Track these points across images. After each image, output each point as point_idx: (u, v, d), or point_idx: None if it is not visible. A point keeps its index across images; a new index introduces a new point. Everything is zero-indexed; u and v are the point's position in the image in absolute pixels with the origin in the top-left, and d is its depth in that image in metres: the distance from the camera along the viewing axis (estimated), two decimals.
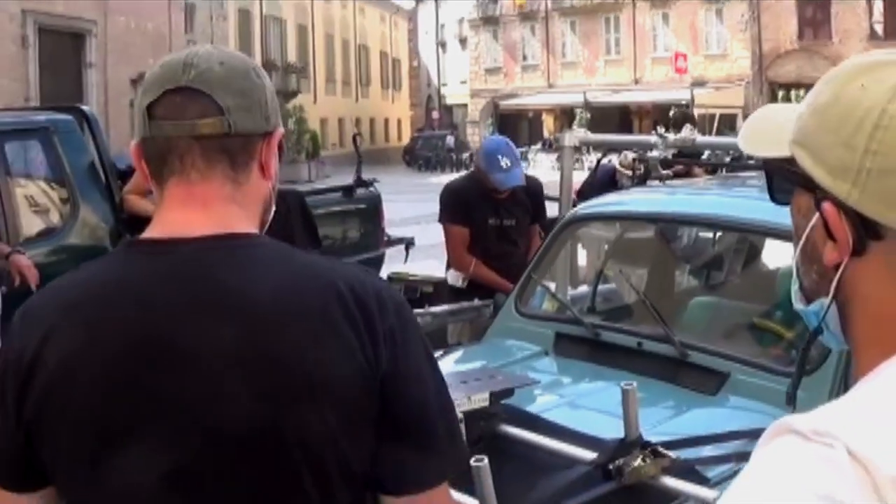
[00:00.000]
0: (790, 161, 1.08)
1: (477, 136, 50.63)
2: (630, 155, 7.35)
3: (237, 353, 1.43)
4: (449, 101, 65.70)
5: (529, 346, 4.18)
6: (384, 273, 7.42)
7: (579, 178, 7.98)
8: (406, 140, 63.61)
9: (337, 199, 9.10)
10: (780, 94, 42.30)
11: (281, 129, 1.61)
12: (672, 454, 2.83)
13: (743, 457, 2.68)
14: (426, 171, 49.20)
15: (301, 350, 1.44)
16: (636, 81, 50.43)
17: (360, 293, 1.48)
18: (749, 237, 4.91)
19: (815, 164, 1.04)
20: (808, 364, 3.20)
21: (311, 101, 50.00)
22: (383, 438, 1.48)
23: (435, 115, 65.41)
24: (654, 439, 2.87)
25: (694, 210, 4.41)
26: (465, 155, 47.10)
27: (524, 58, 56.79)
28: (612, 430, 2.91)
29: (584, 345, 4.02)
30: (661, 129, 5.80)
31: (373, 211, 9.26)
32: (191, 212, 1.51)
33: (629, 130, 43.93)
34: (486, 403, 3.13)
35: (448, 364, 4.01)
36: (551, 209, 6.19)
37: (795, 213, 1.11)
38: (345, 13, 59.32)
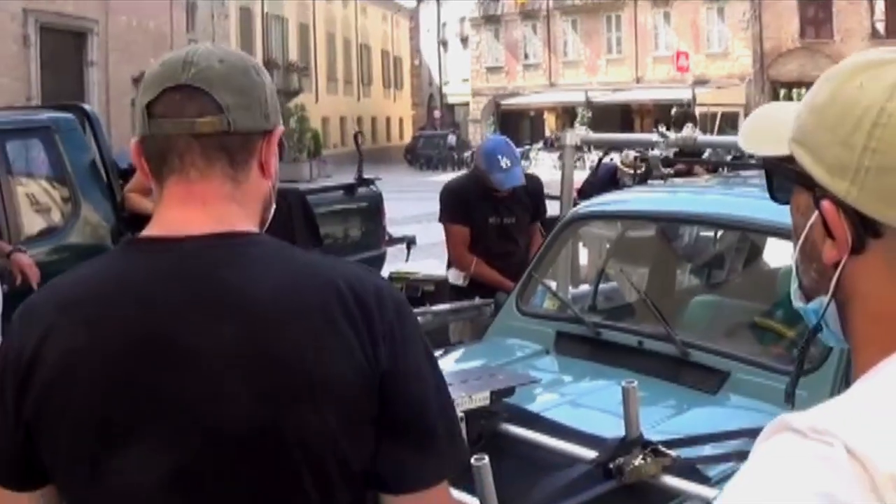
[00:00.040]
0: (790, 159, 1.08)
1: (478, 134, 50.61)
2: (631, 153, 7.34)
3: (237, 351, 1.43)
4: (450, 99, 65.69)
5: (530, 345, 4.18)
6: (385, 272, 7.43)
7: (580, 176, 7.98)
8: (408, 139, 63.59)
9: (338, 197, 9.10)
10: (782, 92, 42.23)
11: (281, 128, 1.61)
12: (673, 453, 2.83)
13: (744, 456, 2.67)
14: (428, 170, 49.18)
15: (301, 349, 1.44)
16: (638, 80, 50.41)
17: (359, 291, 1.48)
18: (750, 236, 4.91)
19: (814, 162, 1.04)
20: (808, 363, 3.20)
21: (312, 100, 49.98)
22: (383, 437, 1.48)
23: (436, 113, 65.38)
24: (654, 438, 2.87)
25: (695, 209, 4.40)
26: (467, 154, 47.02)
27: (526, 56, 56.78)
28: (612, 428, 2.91)
29: (585, 343, 4.02)
30: (662, 128, 5.79)
31: (374, 209, 9.26)
32: (190, 210, 1.51)
33: (631, 129, 43.91)
34: (487, 402, 3.13)
35: (449, 362, 4.01)
36: (552, 208, 6.19)
37: (795, 212, 1.11)
38: (346, 12, 59.34)
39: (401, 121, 69.40)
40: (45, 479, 1.52)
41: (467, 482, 2.45)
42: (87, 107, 7.67)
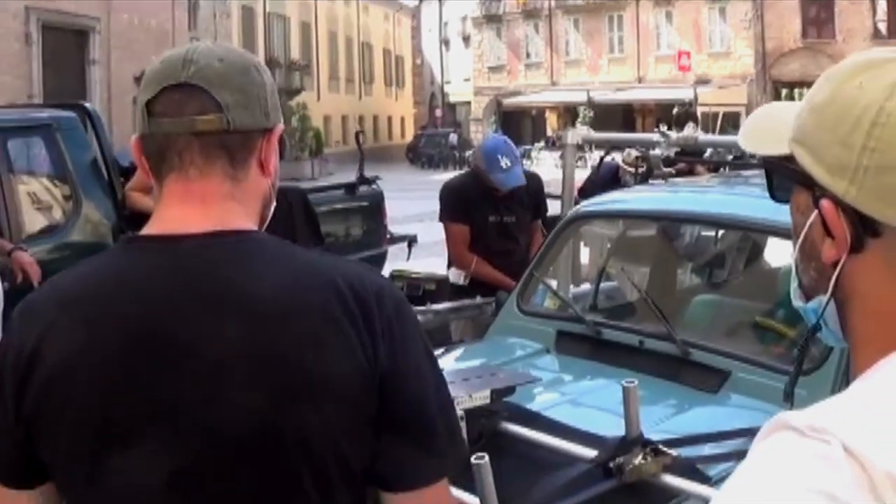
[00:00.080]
0: (790, 159, 1.09)
1: (480, 133, 50.58)
2: (633, 152, 7.35)
3: (237, 350, 1.43)
4: (452, 98, 65.69)
5: (531, 344, 4.18)
6: (386, 270, 7.42)
7: (582, 176, 7.98)
8: (409, 138, 63.61)
9: (340, 196, 9.10)
10: (784, 92, 42.26)
11: (281, 126, 1.61)
12: (673, 452, 2.82)
13: (744, 455, 2.66)
14: (429, 169, 49.19)
15: (301, 348, 1.44)
16: (639, 80, 50.41)
17: (359, 290, 1.48)
18: (751, 235, 4.91)
19: (813, 161, 1.04)
20: (809, 363, 3.21)
21: (314, 99, 49.97)
22: (383, 435, 1.48)
23: (438, 112, 65.39)
24: (655, 437, 2.86)
25: (696, 208, 4.40)
26: (468, 153, 47.00)
27: (527, 56, 56.77)
28: (613, 427, 2.91)
29: (586, 343, 4.02)
30: (663, 128, 5.79)
31: (375, 208, 9.26)
32: (189, 208, 1.51)
33: (632, 128, 43.90)
34: (488, 401, 3.13)
35: (450, 361, 4.01)
36: (554, 207, 6.19)
37: (794, 211, 1.11)
38: (348, 11, 59.34)
39: (402, 120, 69.40)
40: (44, 478, 1.52)
41: (467, 481, 2.45)
42: (88, 105, 7.66)
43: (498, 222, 5.82)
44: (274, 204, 1.64)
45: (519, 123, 56.57)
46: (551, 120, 54.70)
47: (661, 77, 48.69)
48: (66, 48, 23.08)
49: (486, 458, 2.50)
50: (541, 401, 3.53)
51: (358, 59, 61.03)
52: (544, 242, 4.83)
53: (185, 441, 1.42)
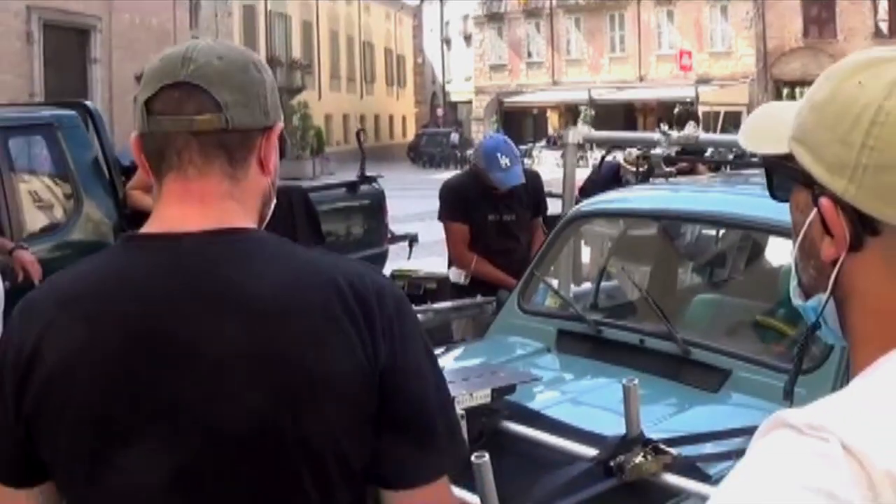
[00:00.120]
0: (789, 158, 1.09)
1: (481, 132, 50.52)
2: (635, 151, 7.35)
3: (237, 349, 1.42)
4: (453, 97, 65.68)
5: (532, 343, 4.19)
6: (388, 269, 7.42)
7: (583, 175, 7.98)
8: (410, 137, 63.58)
9: (341, 195, 9.10)
10: (785, 91, 42.26)
11: (280, 124, 1.60)
12: (673, 451, 2.82)
13: (744, 454, 2.68)
14: (430, 168, 49.20)
15: (302, 347, 1.43)
16: (641, 79, 50.41)
17: (359, 288, 1.48)
18: (752, 234, 4.91)
19: (813, 160, 1.04)
20: (810, 362, 3.21)
21: (315, 98, 49.97)
22: (383, 434, 1.48)
23: (439, 111, 65.39)
24: (655, 436, 2.86)
25: (697, 207, 4.40)
26: (469, 152, 47.00)
27: (529, 55, 56.76)
28: (613, 426, 2.91)
29: (587, 342, 4.02)
30: (664, 127, 5.79)
31: (376, 207, 9.26)
32: (187, 208, 1.51)
33: (634, 127, 43.87)
34: (488, 400, 3.13)
35: (450, 360, 4.01)
36: (555, 206, 6.19)
37: (794, 210, 1.11)
38: (350, 10, 59.33)
39: (404, 119, 69.39)
40: (44, 477, 1.52)
41: (468, 480, 2.45)
42: (89, 104, 7.65)
43: (497, 221, 5.82)
44: (274, 202, 1.64)
45: (520, 122, 56.56)
46: (552, 119, 54.70)
47: (663, 76, 48.72)
48: (67, 47, 23.07)
49: (487, 456, 2.50)
50: (541, 399, 3.53)
51: (359, 58, 61.01)
52: (545, 241, 4.83)
53: (185, 440, 1.42)
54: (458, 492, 2.33)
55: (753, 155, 4.51)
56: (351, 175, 9.75)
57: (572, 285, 5.09)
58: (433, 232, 6.38)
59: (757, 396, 3.28)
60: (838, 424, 0.87)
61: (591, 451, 2.87)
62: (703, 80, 46.31)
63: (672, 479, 2.78)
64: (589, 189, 7.38)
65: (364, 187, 9.22)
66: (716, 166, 6.62)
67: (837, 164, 1.00)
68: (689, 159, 6.69)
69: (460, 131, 56.58)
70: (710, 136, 6.90)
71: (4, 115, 7.04)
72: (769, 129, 1.15)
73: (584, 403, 3.62)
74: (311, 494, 1.45)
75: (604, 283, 4.90)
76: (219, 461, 1.43)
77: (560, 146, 6.40)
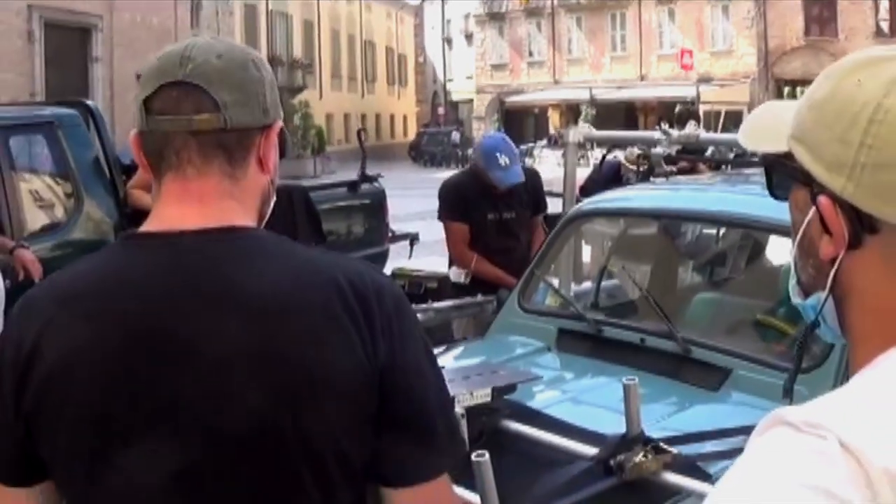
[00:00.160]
0: (789, 156, 1.09)
1: (482, 132, 50.44)
2: (636, 150, 7.35)
3: (237, 348, 1.42)
4: (455, 97, 65.65)
5: (532, 342, 4.18)
6: (388, 269, 7.42)
7: (584, 174, 7.98)
8: (412, 136, 63.56)
9: (341, 194, 9.10)
10: (786, 90, 42.21)
11: (280, 122, 1.60)
12: (674, 450, 2.82)
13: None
14: (431, 167, 49.18)
15: (302, 346, 1.43)
16: (642, 78, 50.38)
17: (359, 287, 1.48)
18: (753, 233, 4.90)
19: (812, 159, 1.04)
20: (810, 360, 3.21)
21: (316, 97, 49.96)
22: (384, 433, 1.48)
23: (440, 110, 65.37)
24: (655, 435, 2.86)
25: (698, 206, 4.40)
26: (470, 151, 46.98)
27: (530, 54, 56.75)
28: (613, 425, 2.91)
29: (587, 341, 4.02)
30: (665, 126, 5.79)
31: (377, 206, 9.26)
32: (186, 207, 1.50)
33: (634, 127, 43.80)
34: (489, 399, 3.12)
35: (451, 359, 4.02)
36: (556, 205, 6.19)
37: (793, 208, 1.11)
38: (351, 9, 59.31)
39: (405, 118, 69.37)
40: (43, 475, 1.52)
41: (468, 479, 2.45)
42: (90, 103, 7.66)
43: (497, 220, 5.82)
44: (273, 200, 1.64)
45: (521, 122, 56.54)
46: (554, 118, 54.64)
47: (664, 75, 48.68)
48: (68, 46, 23.07)
49: (487, 455, 2.50)
50: (542, 398, 3.53)
51: (360, 57, 60.99)
52: (545, 240, 4.83)
53: (185, 439, 1.42)
54: (459, 491, 2.33)
55: (754, 154, 4.51)
56: (352, 174, 9.74)
57: (573, 284, 5.09)
58: (434, 231, 6.37)
59: (757, 395, 3.28)
60: (836, 422, 0.87)
61: (591, 450, 2.87)
62: (705, 80, 46.28)
63: (672, 477, 2.78)
64: (590, 188, 7.38)
65: (365, 186, 9.22)
66: (716, 165, 6.63)
67: (836, 163, 1.00)
68: (690, 158, 6.69)
69: (461, 130, 56.55)
70: (711, 135, 6.89)
71: (5, 114, 7.04)
72: (769, 127, 1.15)
73: (584, 402, 3.61)
74: (313, 494, 1.45)
75: (604, 283, 4.90)
76: (219, 460, 1.43)
77: (561, 145, 6.39)
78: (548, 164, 33.35)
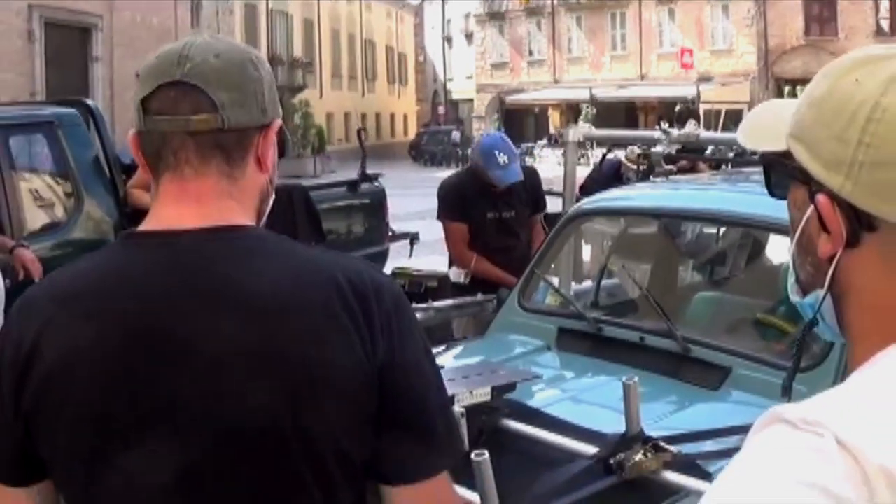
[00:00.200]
0: (787, 155, 1.09)
1: (483, 131, 50.49)
2: (636, 149, 7.35)
3: (236, 347, 1.42)
4: (455, 96, 65.68)
5: (532, 341, 4.18)
6: (388, 268, 7.42)
7: (584, 173, 7.98)
8: (412, 135, 63.58)
9: (341, 193, 9.10)
10: (787, 89, 42.19)
11: (278, 121, 1.59)
12: (674, 449, 2.82)
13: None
14: (432, 166, 49.20)
15: (302, 345, 1.43)
16: (642, 77, 50.40)
17: (358, 285, 1.48)
18: (753, 232, 4.90)
19: (810, 157, 1.04)
20: (810, 359, 3.21)
21: (316, 96, 49.97)
22: (384, 433, 1.48)
23: (441, 110, 65.40)
24: (655, 434, 2.86)
25: (698, 205, 4.40)
26: (470, 150, 46.95)
27: (530, 53, 56.77)
28: (613, 424, 2.91)
29: (587, 340, 4.02)
30: (664, 125, 5.79)
31: (377, 206, 9.26)
32: (184, 207, 1.50)
33: (635, 126, 43.89)
34: (488, 398, 3.12)
35: (451, 358, 4.02)
36: (556, 204, 6.18)
37: (792, 207, 1.11)
38: (351, 8, 59.30)
39: (405, 117, 69.37)
40: (42, 475, 1.51)
41: (468, 478, 2.45)
42: (90, 102, 7.66)
43: (497, 218, 5.82)
44: (272, 199, 1.63)
45: (522, 121, 56.59)
46: (554, 117, 54.68)
47: (664, 74, 48.71)
48: (68, 45, 23.04)
49: (487, 454, 2.50)
50: (541, 397, 3.53)
51: (361, 56, 60.98)
52: (545, 239, 4.83)
53: (185, 438, 1.42)
54: (459, 490, 2.33)
55: (754, 153, 4.51)
56: (352, 173, 9.74)
57: (573, 283, 5.09)
58: (434, 230, 6.38)
59: (757, 394, 3.28)
60: (833, 419, 0.87)
61: (591, 449, 2.87)
62: (705, 79, 46.30)
63: (672, 476, 2.78)
64: (590, 187, 7.38)
65: (365, 186, 9.22)
66: (716, 164, 6.63)
67: (834, 161, 1.00)
68: (690, 157, 6.69)
69: (461, 129, 56.56)
70: (711, 134, 6.89)
71: (5, 114, 7.04)
72: (768, 126, 1.15)
73: (584, 401, 3.61)
74: (314, 494, 1.45)
75: (604, 281, 4.90)
76: (219, 460, 1.43)
77: (561, 144, 6.40)
78: (548, 164, 33.39)
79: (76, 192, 6.85)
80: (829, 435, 0.85)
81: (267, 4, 46.45)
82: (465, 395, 3.01)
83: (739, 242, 5.33)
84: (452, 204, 5.88)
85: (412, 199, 17.36)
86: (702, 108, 40.84)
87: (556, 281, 4.74)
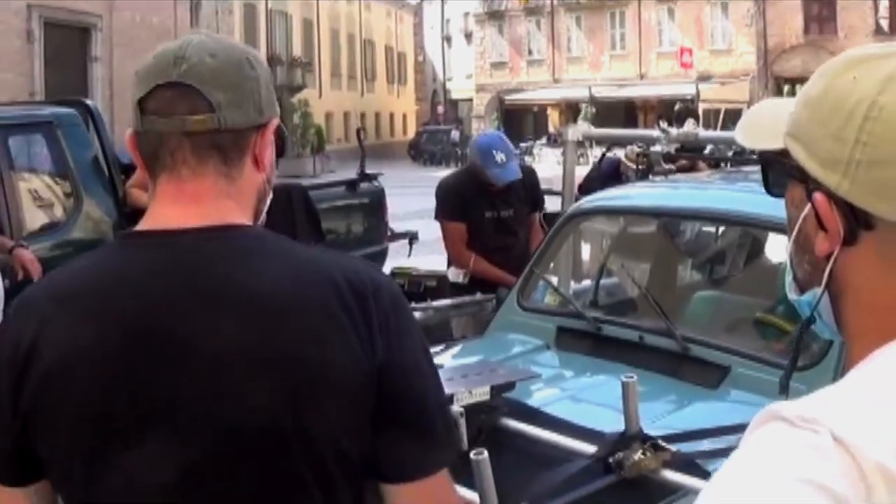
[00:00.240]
0: (785, 153, 1.09)
1: (482, 130, 50.54)
2: (636, 148, 7.35)
3: (236, 347, 1.42)
4: (454, 95, 65.67)
5: (531, 340, 4.18)
6: (388, 267, 7.42)
7: (583, 172, 7.98)
8: (411, 134, 63.58)
9: (341, 193, 9.10)
10: (786, 88, 42.23)
11: (276, 120, 1.59)
12: (672, 448, 2.83)
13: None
14: (431, 166, 49.18)
15: (302, 345, 1.43)
16: (641, 76, 50.42)
17: (356, 284, 1.48)
18: (752, 231, 4.90)
19: (807, 156, 1.04)
20: (809, 358, 3.21)
21: (316, 96, 49.97)
22: (384, 432, 1.48)
23: (440, 109, 65.38)
24: (654, 433, 2.87)
25: (697, 204, 4.40)
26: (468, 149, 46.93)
27: (529, 52, 56.77)
28: (612, 423, 2.91)
29: (586, 339, 4.02)
30: (663, 124, 5.80)
31: (376, 205, 9.26)
32: (181, 208, 1.50)
33: (634, 125, 43.91)
34: (487, 397, 3.13)
35: (450, 358, 4.02)
36: (555, 203, 6.18)
37: (789, 205, 1.11)
38: (350, 8, 59.29)
39: (404, 116, 69.35)
40: (40, 475, 1.51)
41: (467, 477, 2.45)
42: (89, 102, 7.66)
43: (495, 218, 5.82)
44: (270, 198, 1.63)
45: (521, 120, 56.61)
46: (553, 117, 54.70)
47: (664, 74, 48.74)
48: (68, 45, 23.05)
49: (486, 453, 2.50)
50: (540, 397, 3.53)
51: (360, 55, 60.96)
52: (544, 239, 4.83)
53: (185, 438, 1.42)
54: (458, 489, 2.33)
55: (753, 152, 4.51)
56: (351, 173, 9.74)
57: (572, 282, 5.09)
58: (433, 230, 6.37)
59: (756, 393, 3.28)
60: (830, 416, 0.87)
61: (590, 448, 2.87)
62: (704, 78, 46.32)
63: (671, 475, 2.79)
64: (589, 186, 7.38)
65: (364, 185, 9.22)
66: (715, 163, 6.63)
67: (831, 160, 1.01)
68: (689, 156, 6.69)
69: (461, 129, 56.52)
70: (710, 133, 6.90)
71: (4, 114, 7.04)
72: (766, 125, 1.15)
73: (583, 400, 3.62)
74: (314, 494, 1.45)
75: (603, 281, 4.90)
76: (219, 460, 1.43)
77: (560, 144, 6.41)
78: (547, 163, 33.42)
79: (75, 193, 6.85)
80: (826, 432, 0.85)
81: (266, 4, 46.45)
82: (465, 394, 3.02)
83: (738, 241, 5.32)
84: (450, 204, 5.88)
85: (411, 199, 17.34)
86: (701, 107, 40.86)
87: (555, 280, 4.74)
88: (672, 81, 46.77)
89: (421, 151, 55.11)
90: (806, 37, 44.41)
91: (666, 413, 3.39)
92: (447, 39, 67.13)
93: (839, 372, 3.09)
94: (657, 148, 5.31)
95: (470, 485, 2.51)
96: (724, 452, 2.89)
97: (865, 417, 0.87)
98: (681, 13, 48.97)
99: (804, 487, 0.83)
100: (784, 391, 1.25)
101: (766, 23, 45.34)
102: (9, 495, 1.53)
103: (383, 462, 1.49)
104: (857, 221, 1.00)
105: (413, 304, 4.70)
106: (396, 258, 8.92)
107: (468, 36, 62.24)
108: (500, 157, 5.65)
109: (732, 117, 38.71)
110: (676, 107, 38.93)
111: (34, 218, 6.70)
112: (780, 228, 3.55)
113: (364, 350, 1.45)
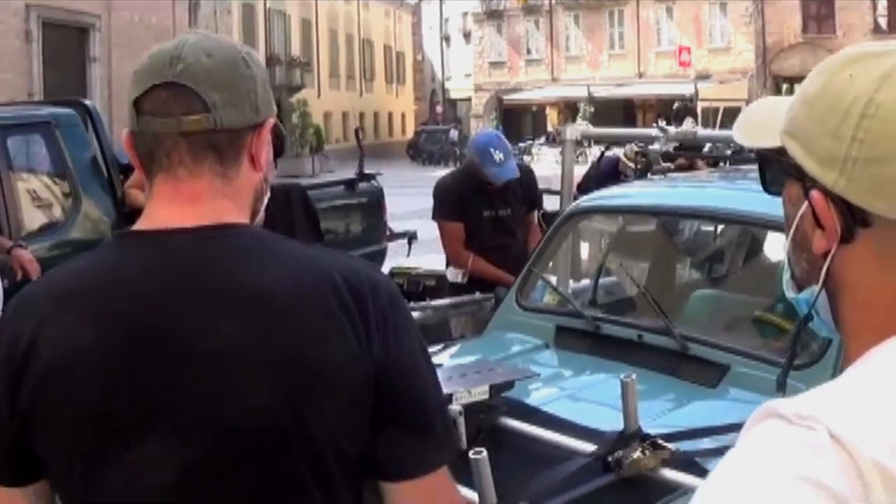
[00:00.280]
0: (782, 152, 1.09)
1: (481, 129, 50.55)
2: (635, 147, 7.36)
3: (235, 347, 1.42)
4: (453, 95, 65.68)
5: (530, 339, 4.18)
6: (387, 267, 7.42)
7: (582, 171, 7.98)
8: (410, 134, 63.56)
9: (339, 192, 9.10)
10: (784, 87, 42.25)
11: (272, 120, 1.59)
12: (671, 446, 2.82)
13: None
14: (430, 165, 49.13)
15: (302, 344, 1.43)
16: (640, 75, 50.44)
17: (354, 283, 1.48)
18: (750, 230, 4.90)
19: (804, 154, 1.04)
20: (808, 356, 3.21)
21: (314, 96, 49.95)
22: (383, 431, 1.48)
23: (439, 109, 65.38)
24: (653, 431, 2.86)
25: (695, 203, 4.40)
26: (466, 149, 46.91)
27: (528, 52, 56.79)
28: (611, 422, 2.91)
29: (585, 338, 4.02)
30: (662, 123, 5.80)
31: (375, 205, 9.27)
32: (177, 208, 1.50)
33: (633, 124, 43.94)
34: (486, 396, 3.12)
35: (448, 357, 4.01)
36: (554, 203, 6.18)
37: (787, 203, 1.12)
38: (349, 7, 59.27)
39: (403, 116, 69.32)
40: (38, 474, 1.51)
41: (466, 476, 2.45)
42: (88, 102, 7.67)
43: (493, 217, 5.81)
44: (267, 197, 1.63)
45: (520, 119, 56.63)
46: (552, 116, 54.68)
47: (662, 72, 48.77)
48: (66, 45, 23.06)
49: (485, 452, 2.50)
50: (539, 396, 3.53)
51: (358, 55, 60.94)
52: (543, 238, 4.83)
53: (185, 438, 1.42)
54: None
55: (751, 150, 4.52)
56: (350, 172, 9.74)
57: (571, 281, 5.09)
58: (432, 229, 6.37)
59: (755, 391, 3.27)
60: (827, 414, 0.87)
61: (589, 447, 2.87)
62: (703, 77, 46.35)
63: (670, 474, 2.78)
64: (587, 185, 7.38)
65: (363, 185, 9.22)
66: (714, 162, 6.63)
67: (828, 157, 1.01)
68: (688, 155, 6.69)
69: (459, 128, 56.49)
70: (708, 131, 6.90)
71: (3, 114, 7.04)
72: (763, 123, 1.15)
73: (582, 399, 3.62)
74: (314, 494, 1.45)
75: (602, 280, 4.90)
76: (219, 460, 1.43)
77: (559, 143, 6.40)
78: (546, 162, 33.42)
79: (74, 193, 6.86)
80: (823, 429, 0.85)
81: (264, 4, 46.41)
82: (464, 393, 3.01)
83: (737, 240, 5.33)
84: (448, 204, 5.87)
85: (410, 198, 17.33)
86: (700, 105, 40.86)
87: (553, 279, 4.74)
88: (670, 80, 46.79)
89: (419, 151, 55.07)
90: (804, 35, 44.42)
91: (665, 412, 3.38)
92: (446, 39, 67.13)
93: (838, 370, 3.09)
94: (656, 147, 5.31)
95: (469, 484, 2.51)
96: (723, 451, 2.87)
97: (862, 415, 0.87)
98: (679, 12, 48.99)
99: (801, 485, 0.83)
100: (781, 389, 1.25)
101: (765, 21, 45.36)
102: (8, 495, 1.52)
103: (383, 461, 1.50)
104: (854, 219, 1.00)
105: (412, 304, 4.70)
106: (395, 258, 8.93)
107: (467, 35, 62.25)
108: (498, 155, 5.64)
109: (731, 116, 38.70)
110: (675, 106, 38.87)
111: (33, 218, 6.70)
112: (778, 227, 3.55)
113: (362, 349, 1.45)
